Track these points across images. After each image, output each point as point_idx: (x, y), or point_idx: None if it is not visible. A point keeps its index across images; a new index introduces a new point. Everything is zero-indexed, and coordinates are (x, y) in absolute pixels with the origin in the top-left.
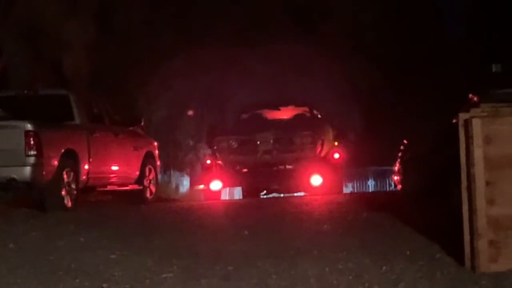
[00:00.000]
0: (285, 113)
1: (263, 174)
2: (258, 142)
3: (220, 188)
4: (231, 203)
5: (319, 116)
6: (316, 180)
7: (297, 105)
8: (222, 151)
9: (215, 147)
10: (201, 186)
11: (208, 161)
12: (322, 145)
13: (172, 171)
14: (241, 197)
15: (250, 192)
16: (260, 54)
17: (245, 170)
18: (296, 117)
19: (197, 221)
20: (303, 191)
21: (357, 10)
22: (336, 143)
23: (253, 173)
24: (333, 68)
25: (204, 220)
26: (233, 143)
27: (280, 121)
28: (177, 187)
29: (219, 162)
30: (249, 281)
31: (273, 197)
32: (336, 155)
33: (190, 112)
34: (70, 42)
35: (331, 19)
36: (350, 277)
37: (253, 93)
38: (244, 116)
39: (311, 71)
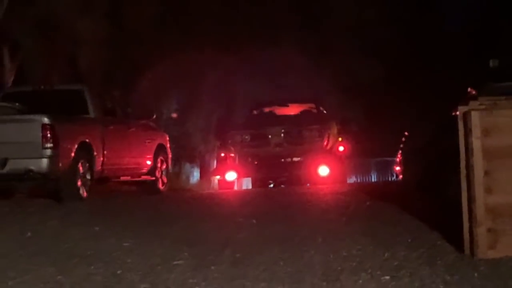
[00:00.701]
0: (293, 109)
1: (274, 165)
2: (270, 136)
3: (234, 179)
4: (240, 193)
5: (324, 112)
6: (323, 170)
7: (304, 101)
8: (236, 144)
9: (229, 141)
10: (217, 177)
11: (222, 154)
12: (328, 138)
13: (182, 163)
14: (249, 187)
15: (260, 182)
16: (267, 52)
17: (257, 161)
18: (304, 112)
19: (207, 210)
20: (311, 181)
21: (358, 9)
22: (340, 139)
23: (265, 164)
24: (336, 66)
25: (214, 209)
26: (247, 137)
27: (289, 116)
28: (187, 178)
29: (232, 154)
30: (256, 267)
31: (281, 187)
32: (341, 148)
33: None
34: (85, 39)
35: (334, 19)
36: (354, 264)
37: (260, 90)
38: (255, 112)
39: (316, 69)
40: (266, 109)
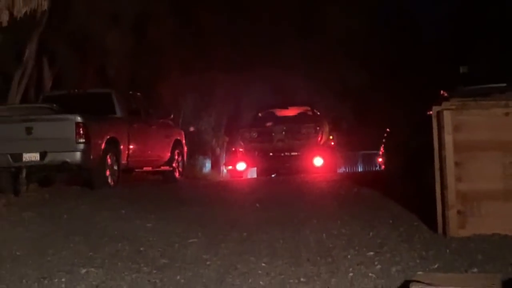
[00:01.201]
0: (292, 111)
1: (277, 158)
2: (273, 133)
3: (244, 169)
4: (247, 181)
5: (318, 113)
6: (317, 162)
7: (301, 104)
8: (245, 140)
9: (239, 137)
10: (230, 167)
11: (233, 148)
12: (322, 135)
13: (196, 155)
14: (254, 176)
15: (264, 172)
16: (269, 63)
17: (262, 154)
18: (301, 114)
19: (218, 196)
20: (307, 171)
21: (346, 25)
22: (331, 137)
23: (268, 157)
24: (328, 74)
25: (224, 195)
26: (254, 134)
27: (289, 117)
28: (201, 168)
29: (241, 149)
30: (260, 244)
31: (281, 177)
32: (332, 143)
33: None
34: (112, 50)
35: (325, 34)
36: (343, 241)
37: (263, 95)
38: (261, 113)
39: (310, 77)
40: (269, 111)
